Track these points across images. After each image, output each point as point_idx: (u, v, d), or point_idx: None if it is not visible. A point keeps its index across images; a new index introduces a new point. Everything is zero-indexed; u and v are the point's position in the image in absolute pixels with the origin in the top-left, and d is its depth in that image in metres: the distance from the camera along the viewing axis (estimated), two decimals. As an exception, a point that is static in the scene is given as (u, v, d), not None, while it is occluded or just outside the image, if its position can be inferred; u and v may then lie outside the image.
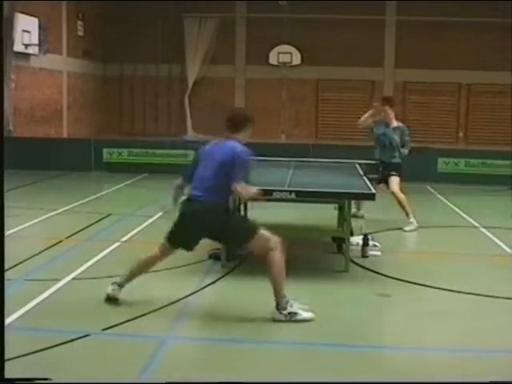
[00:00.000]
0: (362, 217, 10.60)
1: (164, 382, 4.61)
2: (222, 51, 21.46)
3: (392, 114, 10.36)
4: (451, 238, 9.96)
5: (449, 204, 12.64)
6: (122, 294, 6.49)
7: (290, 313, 5.97)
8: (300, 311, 6.02)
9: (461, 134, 21.04)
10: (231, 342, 5.55)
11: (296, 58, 21.07)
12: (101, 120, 21.60)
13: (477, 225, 10.56)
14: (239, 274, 7.47)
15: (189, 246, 6.34)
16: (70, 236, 9.15)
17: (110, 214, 10.58)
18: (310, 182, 8.11)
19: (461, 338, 5.75)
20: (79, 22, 20.41)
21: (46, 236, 9.23)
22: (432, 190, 12.39)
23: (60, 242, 8.79)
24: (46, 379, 4.72)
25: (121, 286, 6.46)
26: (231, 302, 6.59)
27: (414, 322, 6.13)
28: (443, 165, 16.21)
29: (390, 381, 4.78)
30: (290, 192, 7.20)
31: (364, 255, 8.22)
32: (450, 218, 11.30)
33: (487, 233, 9.97)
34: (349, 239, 7.62)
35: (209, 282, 7.01)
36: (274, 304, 6.00)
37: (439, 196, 13.23)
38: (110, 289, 6.44)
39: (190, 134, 21.31)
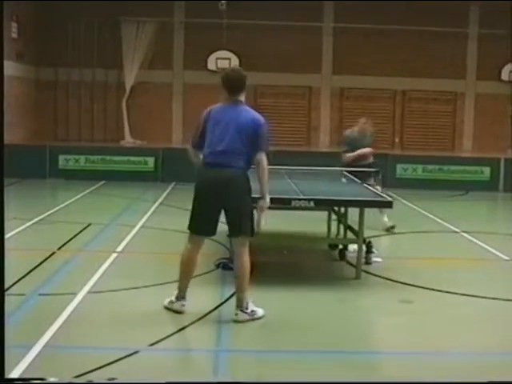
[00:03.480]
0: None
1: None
2: (159, 56, 21.14)
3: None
4: (439, 244, 10.18)
5: (418, 209, 12.92)
6: (151, 305, 6.53)
7: (252, 311, 6.15)
8: (257, 309, 6.21)
9: (397, 140, 21.51)
10: (284, 354, 5.51)
11: (234, 64, 21.02)
12: (35, 125, 20.88)
13: (456, 230, 10.85)
14: (255, 284, 7.39)
15: (209, 226, 6.11)
16: (61, 247, 8.86)
17: (90, 224, 10.28)
18: (320, 190, 8.11)
19: (495, 342, 5.88)
20: (13, 24, 19.69)
21: (36, 247, 8.87)
22: (395, 196, 12.62)
23: (53, 253, 8.49)
24: (43, 379, 4.61)
25: (183, 297, 6.34)
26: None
27: (448, 328, 6.25)
28: (402, 171, 16.63)
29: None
30: (309, 200, 7.21)
31: (368, 262, 8.30)
32: (426, 223, 11.57)
33: (470, 237, 10.26)
34: (361, 247, 7.68)
35: (230, 292, 6.91)
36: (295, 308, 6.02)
37: (404, 201, 13.50)
38: (177, 305, 6.34)
39: (128, 140, 20.93)
